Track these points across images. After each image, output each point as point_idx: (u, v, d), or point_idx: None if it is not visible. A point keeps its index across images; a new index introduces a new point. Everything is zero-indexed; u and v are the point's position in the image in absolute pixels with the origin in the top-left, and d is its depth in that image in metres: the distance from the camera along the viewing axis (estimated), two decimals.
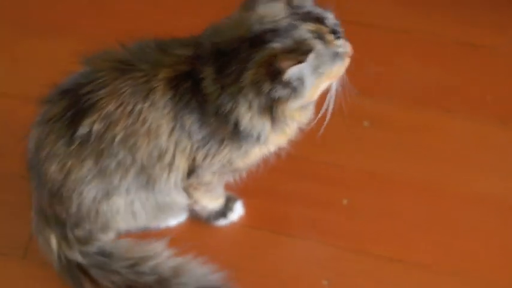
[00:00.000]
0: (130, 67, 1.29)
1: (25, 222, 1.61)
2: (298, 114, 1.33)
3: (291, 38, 1.22)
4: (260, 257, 1.58)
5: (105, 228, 1.46)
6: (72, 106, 1.31)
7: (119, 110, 1.28)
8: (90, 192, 1.36)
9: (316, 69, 1.24)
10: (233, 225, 1.62)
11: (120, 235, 1.54)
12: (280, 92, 1.23)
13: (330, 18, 1.29)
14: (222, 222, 1.61)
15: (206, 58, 1.26)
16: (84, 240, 1.47)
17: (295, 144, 1.68)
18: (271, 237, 1.59)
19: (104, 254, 1.48)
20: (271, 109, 1.27)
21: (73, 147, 1.31)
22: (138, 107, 1.28)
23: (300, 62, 1.19)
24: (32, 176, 1.42)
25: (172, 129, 1.30)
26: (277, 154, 1.43)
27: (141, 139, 1.30)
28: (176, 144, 1.31)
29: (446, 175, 1.67)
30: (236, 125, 1.28)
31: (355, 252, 1.60)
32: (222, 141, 1.31)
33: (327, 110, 1.34)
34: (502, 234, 1.61)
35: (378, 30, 1.86)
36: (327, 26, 1.26)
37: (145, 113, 1.28)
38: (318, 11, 1.28)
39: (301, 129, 1.40)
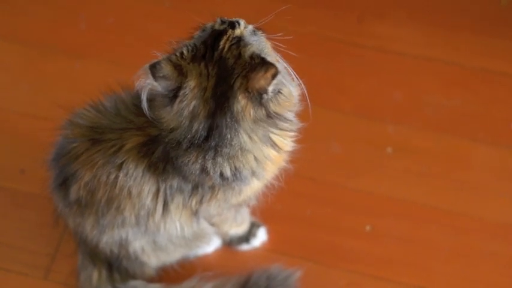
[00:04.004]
0: (99, 136, 1.29)
1: (47, 242, 1.63)
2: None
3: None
4: None
5: (139, 265, 1.48)
6: (59, 175, 1.35)
7: (95, 179, 1.29)
8: (109, 240, 1.40)
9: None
10: (256, 249, 1.62)
11: (159, 270, 1.55)
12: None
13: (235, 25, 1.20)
14: (244, 247, 1.61)
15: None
16: (122, 277, 1.50)
17: (318, 170, 1.70)
18: (294, 262, 1.58)
19: None
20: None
21: (73, 209, 1.37)
22: (112, 176, 1.28)
23: (275, 73, 1.14)
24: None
25: (157, 191, 1.29)
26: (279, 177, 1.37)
27: (123, 202, 1.31)
28: (166, 203, 1.30)
29: (470, 203, 1.67)
30: (222, 174, 1.22)
31: (377, 278, 1.59)
32: (213, 188, 1.28)
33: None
34: None
35: (402, 57, 1.86)
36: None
37: (122, 182, 1.28)
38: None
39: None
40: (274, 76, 1.14)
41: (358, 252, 1.62)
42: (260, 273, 1.50)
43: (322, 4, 1.94)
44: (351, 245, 1.63)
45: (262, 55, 1.17)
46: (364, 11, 1.93)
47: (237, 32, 1.18)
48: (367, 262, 1.61)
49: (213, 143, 1.17)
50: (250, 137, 1.19)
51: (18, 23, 1.94)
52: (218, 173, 1.21)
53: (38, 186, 1.53)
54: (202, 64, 1.16)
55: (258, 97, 1.16)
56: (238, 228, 1.57)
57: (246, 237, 1.60)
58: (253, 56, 1.16)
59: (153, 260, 1.47)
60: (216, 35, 1.17)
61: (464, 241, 1.63)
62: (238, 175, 1.22)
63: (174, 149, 1.20)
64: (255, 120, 1.17)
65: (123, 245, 1.41)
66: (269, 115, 1.18)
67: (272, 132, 1.21)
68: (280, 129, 1.22)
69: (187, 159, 1.20)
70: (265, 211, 1.53)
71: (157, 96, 1.20)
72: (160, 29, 1.87)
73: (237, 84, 1.15)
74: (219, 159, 1.19)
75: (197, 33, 1.20)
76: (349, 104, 1.80)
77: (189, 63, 1.15)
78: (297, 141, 1.30)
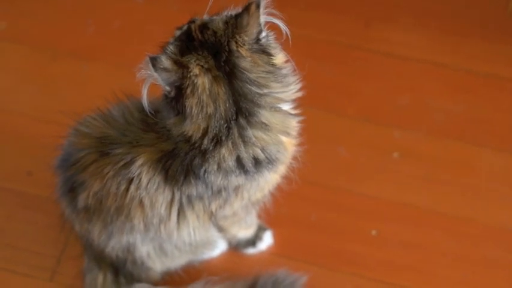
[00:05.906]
0: (108, 149, 1.29)
1: (53, 244, 1.63)
2: None
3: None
4: None
5: (145, 269, 1.48)
6: (66, 183, 1.36)
7: (104, 189, 1.30)
8: (116, 245, 1.40)
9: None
10: (261, 253, 1.62)
11: (165, 274, 1.55)
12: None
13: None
14: (250, 250, 1.61)
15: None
16: (127, 281, 1.50)
17: (324, 174, 1.71)
18: (299, 266, 1.58)
19: None
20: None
21: (80, 215, 1.37)
22: (123, 187, 1.29)
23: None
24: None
25: (172, 200, 1.29)
26: (288, 178, 1.38)
27: (133, 210, 1.31)
28: (181, 211, 1.31)
29: (475, 208, 1.67)
30: (256, 159, 1.24)
31: (382, 283, 1.59)
32: (237, 188, 1.29)
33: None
34: None
35: (409, 62, 1.86)
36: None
37: (133, 193, 1.28)
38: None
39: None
40: (258, 6, 1.16)
41: (363, 256, 1.62)
42: (266, 277, 1.50)
43: (330, 9, 1.95)
44: (356, 250, 1.63)
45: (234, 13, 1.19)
46: (372, 16, 1.93)
47: (198, 22, 1.21)
48: (373, 266, 1.61)
49: (243, 121, 1.18)
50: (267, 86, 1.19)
51: (27, 25, 1.95)
52: (252, 158, 1.22)
53: (45, 189, 1.53)
54: (193, 54, 1.18)
55: (257, 44, 1.18)
56: (247, 231, 1.57)
57: (253, 241, 1.60)
58: (226, 20, 1.19)
59: (158, 265, 1.48)
60: (187, 31, 1.21)
61: (469, 247, 1.63)
62: (268, 156, 1.23)
63: (198, 156, 1.21)
64: (264, 67, 1.18)
65: (130, 250, 1.41)
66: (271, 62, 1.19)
67: (278, 91, 1.20)
68: (283, 84, 1.21)
69: (218, 158, 1.20)
70: (271, 215, 1.54)
71: (163, 107, 1.22)
72: (168, 33, 1.86)
73: (233, 44, 1.17)
74: (250, 139, 1.19)
75: (176, 32, 1.23)
76: (355, 109, 1.80)
77: (181, 57, 1.18)
78: (303, 145, 1.31)
